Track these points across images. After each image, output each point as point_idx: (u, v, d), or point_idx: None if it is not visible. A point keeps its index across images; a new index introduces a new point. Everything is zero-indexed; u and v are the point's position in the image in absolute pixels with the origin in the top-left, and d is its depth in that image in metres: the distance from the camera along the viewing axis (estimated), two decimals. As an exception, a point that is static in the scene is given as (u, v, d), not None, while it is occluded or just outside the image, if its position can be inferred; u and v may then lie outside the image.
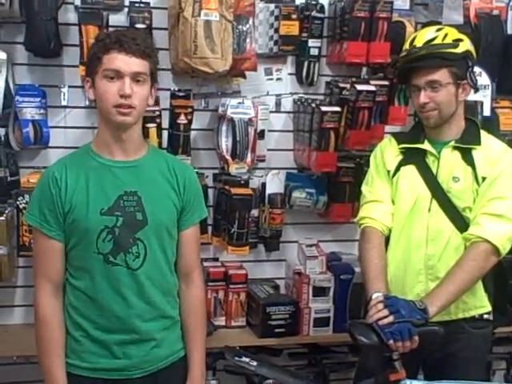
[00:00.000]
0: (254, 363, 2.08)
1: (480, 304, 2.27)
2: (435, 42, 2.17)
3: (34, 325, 1.93)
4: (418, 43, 2.18)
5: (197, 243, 2.07)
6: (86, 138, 2.49)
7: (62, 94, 2.64)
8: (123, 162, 1.90)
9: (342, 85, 2.80)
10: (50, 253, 1.88)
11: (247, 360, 2.09)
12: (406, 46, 2.23)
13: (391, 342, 1.98)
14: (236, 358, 2.13)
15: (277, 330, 2.73)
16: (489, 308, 2.29)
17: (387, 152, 2.32)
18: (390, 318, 1.99)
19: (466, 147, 2.21)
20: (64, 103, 2.66)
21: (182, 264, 2.01)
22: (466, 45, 2.19)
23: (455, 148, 2.22)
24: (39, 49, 2.48)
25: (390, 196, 2.30)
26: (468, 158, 2.20)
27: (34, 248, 1.98)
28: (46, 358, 1.88)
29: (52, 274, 1.88)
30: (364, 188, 2.37)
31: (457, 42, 2.17)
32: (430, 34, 2.19)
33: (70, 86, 2.64)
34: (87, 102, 2.65)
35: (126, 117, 1.83)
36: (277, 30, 2.75)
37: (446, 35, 2.18)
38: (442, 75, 2.15)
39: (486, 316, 2.28)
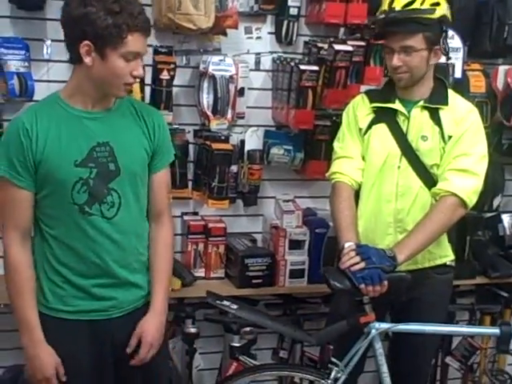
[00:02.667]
0: (234, 306, 2.18)
1: (444, 253, 2.41)
2: (413, 6, 2.20)
3: (4, 272, 1.96)
4: (397, 6, 2.22)
5: (167, 186, 2.13)
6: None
7: (45, 48, 2.63)
8: (94, 113, 1.92)
9: (320, 45, 2.86)
10: (19, 202, 1.90)
11: (228, 303, 2.19)
12: (385, 6, 2.26)
13: (362, 286, 2.11)
14: (217, 302, 2.23)
15: (254, 281, 2.83)
16: (452, 257, 2.44)
17: (359, 110, 2.40)
18: (362, 264, 2.12)
19: (434, 107, 2.31)
20: (47, 57, 2.65)
21: (153, 206, 2.06)
22: (443, 9, 2.24)
23: (424, 108, 2.31)
24: (23, 1, 2.48)
25: (361, 153, 2.39)
26: (435, 117, 2.31)
27: (1, 197, 1.94)
28: (19, 301, 1.92)
29: (21, 223, 1.91)
30: (336, 144, 2.46)
31: (434, 6, 2.22)
32: None
33: (52, 40, 2.62)
34: (70, 57, 2.68)
35: (127, 92, 1.92)
36: (258, -11, 2.79)
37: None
38: (417, 41, 2.21)
39: (448, 262, 2.43)
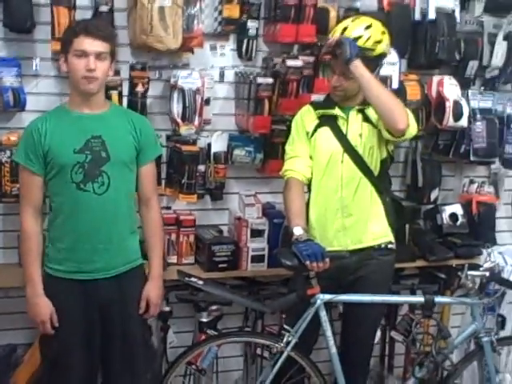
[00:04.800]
0: (201, 282, 2.57)
1: (385, 234, 2.80)
2: (358, 43, 2.60)
3: (20, 239, 2.53)
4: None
5: (153, 176, 2.67)
6: (55, 102, 2.88)
7: (34, 65, 2.95)
8: (90, 115, 2.47)
9: (275, 60, 3.23)
10: (32, 184, 2.45)
11: (195, 280, 2.58)
12: (337, 32, 2.67)
13: (308, 262, 2.51)
14: (186, 278, 2.61)
15: (220, 266, 3.15)
16: (392, 239, 2.82)
17: (306, 117, 2.82)
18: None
19: (363, 108, 2.74)
20: (36, 73, 2.98)
21: (142, 192, 2.59)
22: (383, 47, 2.66)
23: (358, 111, 2.75)
24: (16, 26, 2.84)
25: (309, 153, 2.80)
26: (365, 116, 2.74)
27: (20, 181, 2.57)
28: (27, 261, 2.46)
29: (33, 201, 2.45)
30: (287, 147, 2.87)
31: (376, 44, 2.63)
32: (358, 32, 2.63)
33: (41, 58, 2.96)
34: (56, 73, 3.01)
35: (91, 85, 2.40)
36: (220, 13, 3.14)
37: (369, 38, 2.63)
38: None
39: (390, 246, 2.81)
